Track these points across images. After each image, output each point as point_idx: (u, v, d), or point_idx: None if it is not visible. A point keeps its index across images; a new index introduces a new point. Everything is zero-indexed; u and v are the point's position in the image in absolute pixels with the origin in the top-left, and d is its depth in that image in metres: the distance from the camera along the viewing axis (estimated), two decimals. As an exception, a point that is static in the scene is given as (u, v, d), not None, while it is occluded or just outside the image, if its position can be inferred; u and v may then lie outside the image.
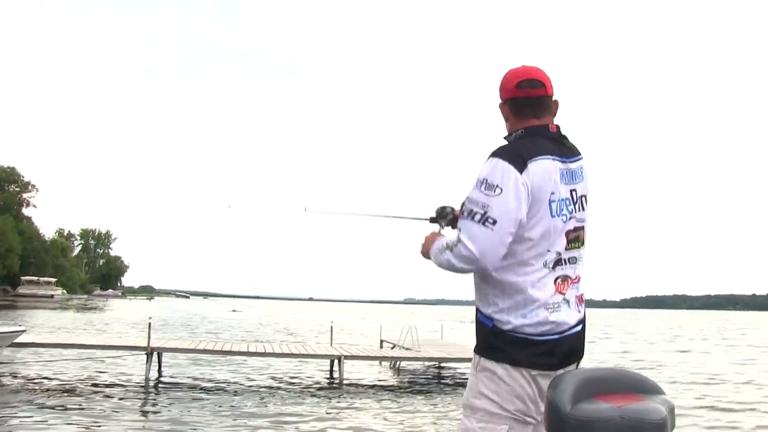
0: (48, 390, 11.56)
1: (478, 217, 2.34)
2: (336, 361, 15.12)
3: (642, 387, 2.18)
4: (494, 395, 2.39)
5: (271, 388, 13.19)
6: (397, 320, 51.59)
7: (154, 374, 13.98)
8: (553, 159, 2.46)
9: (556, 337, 2.41)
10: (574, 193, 2.50)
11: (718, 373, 18.35)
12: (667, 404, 2.11)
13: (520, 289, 2.40)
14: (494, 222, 2.31)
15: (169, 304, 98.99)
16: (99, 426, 8.70)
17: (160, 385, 13.01)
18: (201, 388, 12.67)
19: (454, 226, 2.77)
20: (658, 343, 34.04)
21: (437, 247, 2.51)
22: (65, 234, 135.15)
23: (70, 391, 11.55)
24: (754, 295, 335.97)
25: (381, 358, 16.97)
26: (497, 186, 2.34)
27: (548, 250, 2.44)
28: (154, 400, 11.32)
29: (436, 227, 2.84)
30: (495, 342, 2.41)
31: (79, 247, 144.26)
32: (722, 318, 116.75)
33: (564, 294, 2.46)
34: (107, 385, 12.41)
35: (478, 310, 2.52)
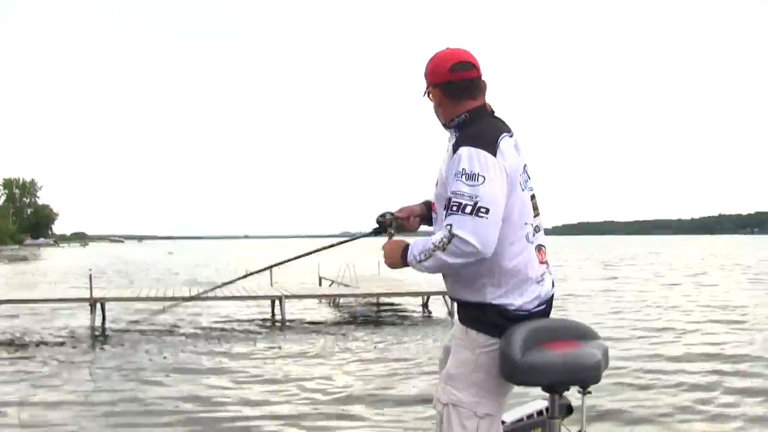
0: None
1: (469, 209, 2.33)
2: (277, 302, 15.52)
3: (581, 333, 2.61)
4: (495, 370, 2.49)
5: (213, 331, 13.52)
6: (335, 255, 51.97)
7: (98, 325, 14.13)
8: (508, 136, 2.56)
9: (544, 306, 2.61)
10: (522, 164, 2.60)
11: (646, 299, 18.98)
12: (601, 348, 2.54)
13: (515, 272, 2.51)
14: (487, 210, 2.32)
15: (103, 250, 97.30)
16: (50, 382, 8.86)
17: (106, 336, 13.16)
18: (146, 336, 12.86)
19: (401, 230, 2.81)
20: (589, 270, 35.25)
21: (419, 251, 2.46)
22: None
23: (14, 348, 11.64)
24: (679, 219, 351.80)
25: (321, 296, 17.46)
26: (479, 174, 2.36)
27: (525, 223, 2.55)
28: (102, 351, 11.46)
29: (384, 238, 2.78)
30: (498, 320, 2.50)
31: (3, 198, 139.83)
32: (649, 243, 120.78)
33: (545, 263, 2.64)
34: (51, 341, 12.43)
35: (462, 299, 2.60)
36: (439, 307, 16.39)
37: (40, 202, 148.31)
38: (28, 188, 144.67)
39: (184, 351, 11.24)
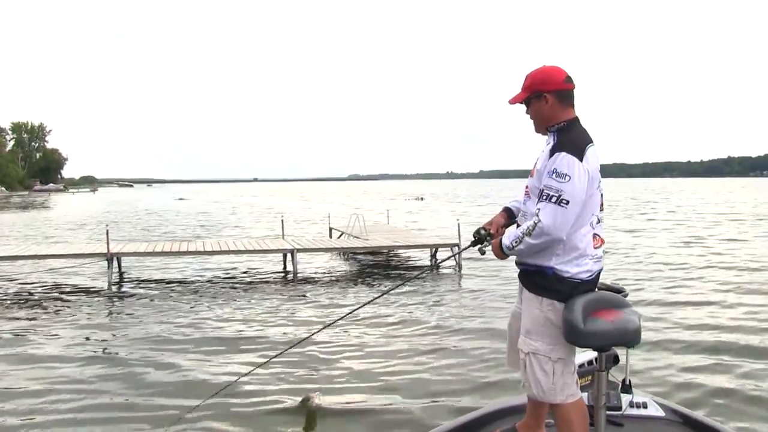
0: (6, 306, 11.89)
1: (554, 199, 3.02)
2: (289, 255, 15.82)
3: (618, 303, 3.14)
4: (559, 324, 3.12)
5: (228, 283, 13.85)
6: (344, 201, 52.32)
7: (115, 279, 14.47)
8: (593, 145, 3.19)
9: (593, 277, 3.22)
10: (599, 166, 3.25)
11: (663, 260, 18.72)
12: (637, 314, 3.09)
13: (577, 247, 3.15)
14: (567, 202, 3.01)
15: (113, 196, 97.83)
16: (73, 339, 9.22)
17: (123, 290, 13.49)
18: (163, 289, 13.24)
19: (491, 240, 3.47)
20: (605, 220, 34.58)
21: (511, 240, 3.16)
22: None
23: (33, 304, 11.99)
24: (688, 162, 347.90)
25: (331, 250, 17.72)
26: (566, 174, 3.02)
27: (593, 214, 3.21)
28: (121, 304, 11.79)
29: (477, 247, 3.51)
30: (559, 286, 3.15)
31: (12, 142, 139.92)
32: (661, 187, 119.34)
33: (598, 248, 3.26)
34: (69, 295, 12.83)
35: (530, 264, 3.22)
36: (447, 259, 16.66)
37: (48, 146, 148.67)
38: (37, 132, 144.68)
39: (202, 302, 11.66)
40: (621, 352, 3.86)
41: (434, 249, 17.45)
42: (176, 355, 8.21)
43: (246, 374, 6.34)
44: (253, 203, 63.33)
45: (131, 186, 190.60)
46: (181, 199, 76.26)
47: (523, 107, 3.35)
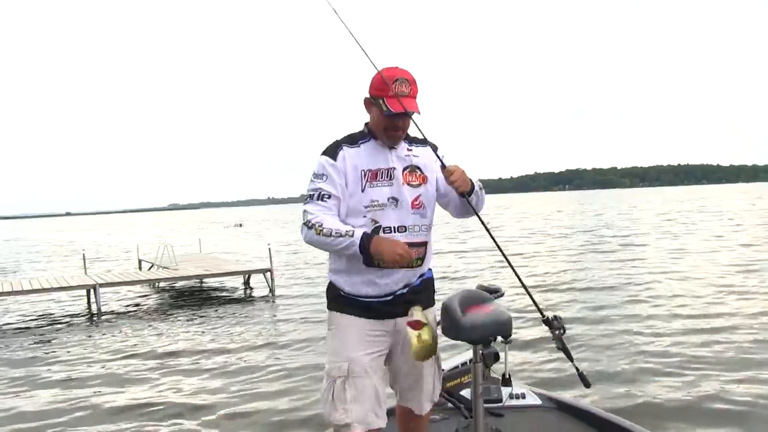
0: None
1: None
2: (92, 291, 14.94)
3: (484, 298, 3.17)
4: None
5: (21, 328, 12.82)
6: (158, 232, 50.38)
7: None
8: None
9: None
10: None
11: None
12: (505, 307, 3.09)
13: None
14: None
15: None
16: None
17: None
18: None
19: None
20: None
21: (479, 186, 3.03)
22: None
23: None
24: (500, 178, 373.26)
25: (138, 282, 16.89)
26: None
27: None
28: None
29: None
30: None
31: None
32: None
33: None
34: None
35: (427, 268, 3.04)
36: (260, 284, 16.52)
37: None
38: None
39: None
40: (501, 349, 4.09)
41: (247, 275, 17.24)
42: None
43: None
44: (61, 239, 59.48)
45: None
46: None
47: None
